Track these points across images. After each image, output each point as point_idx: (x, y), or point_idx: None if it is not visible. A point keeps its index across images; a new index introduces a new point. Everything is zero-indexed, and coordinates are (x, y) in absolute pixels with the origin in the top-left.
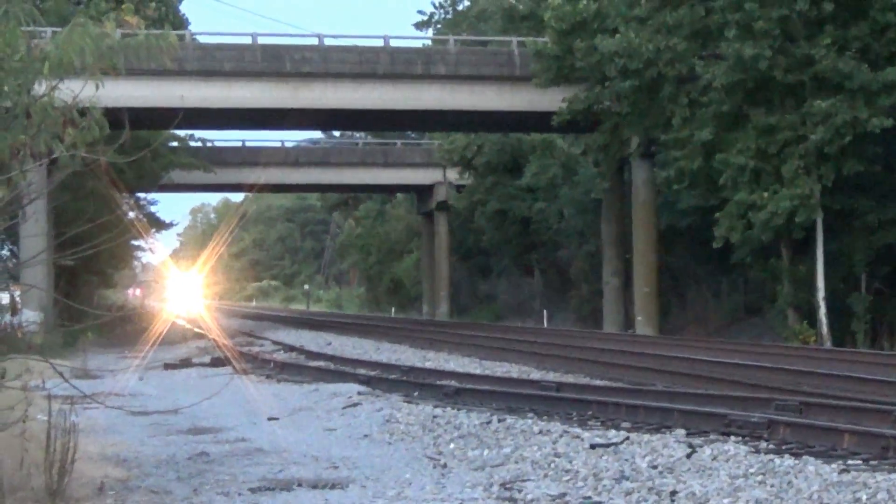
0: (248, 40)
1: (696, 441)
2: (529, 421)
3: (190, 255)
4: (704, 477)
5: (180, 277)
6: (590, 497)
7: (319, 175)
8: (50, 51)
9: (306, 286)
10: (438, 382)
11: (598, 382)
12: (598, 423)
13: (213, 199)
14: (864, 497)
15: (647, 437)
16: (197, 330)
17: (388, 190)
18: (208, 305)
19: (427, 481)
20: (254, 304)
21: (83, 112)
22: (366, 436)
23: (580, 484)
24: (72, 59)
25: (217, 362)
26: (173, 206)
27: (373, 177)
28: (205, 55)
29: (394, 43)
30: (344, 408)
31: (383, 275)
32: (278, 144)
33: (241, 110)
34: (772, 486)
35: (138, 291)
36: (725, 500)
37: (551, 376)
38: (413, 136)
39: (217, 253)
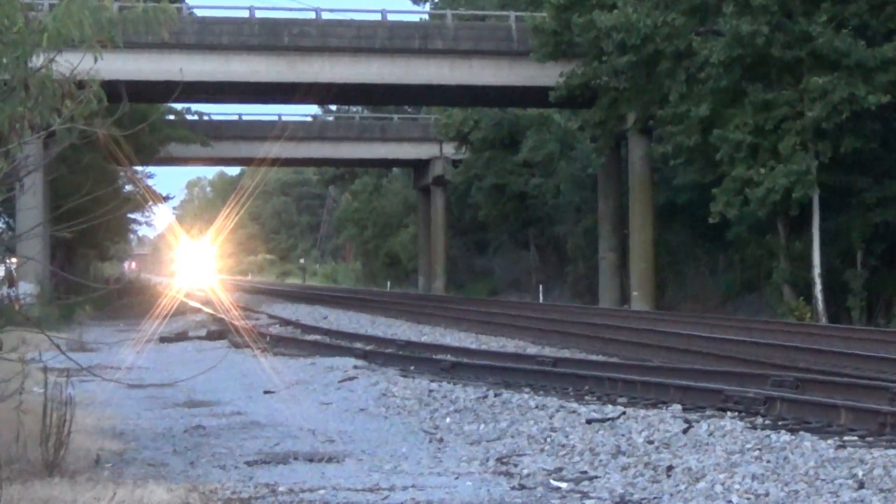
0: (245, 14)
1: (693, 416)
2: (526, 396)
3: (187, 229)
4: (701, 452)
5: (188, 250)
6: (586, 472)
7: (316, 149)
8: (48, 23)
9: (302, 260)
10: (435, 357)
11: (594, 358)
12: (595, 399)
13: (209, 172)
14: (861, 473)
15: (643, 412)
16: (194, 304)
17: (385, 164)
18: (220, 280)
19: (423, 455)
20: (249, 278)
21: (81, 85)
22: (362, 410)
23: (576, 458)
24: (70, 31)
25: (213, 336)
26: (169, 180)
27: (370, 151)
28: (203, 28)
29: (391, 17)
30: (340, 382)
31: (379, 249)
32: (275, 118)
33: (238, 84)
34: (768, 461)
35: (133, 265)
36: (721, 476)
37: (547, 351)
38: (410, 110)
39: (228, 225)
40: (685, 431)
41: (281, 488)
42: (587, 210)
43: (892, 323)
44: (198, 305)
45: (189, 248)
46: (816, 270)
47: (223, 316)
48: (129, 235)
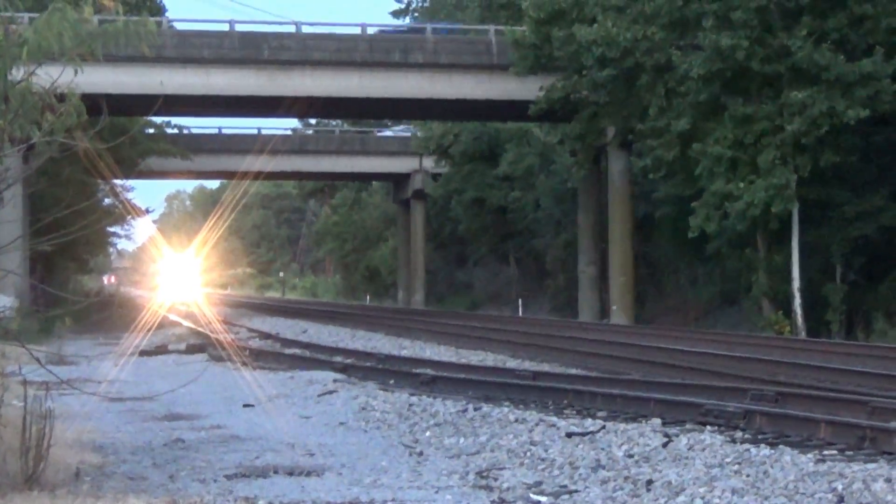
0: (225, 27)
1: (673, 430)
2: (505, 409)
3: (167, 242)
4: (680, 466)
5: (169, 264)
6: (566, 486)
7: (296, 163)
8: (28, 36)
9: (281, 274)
10: (414, 370)
11: (573, 371)
12: (575, 412)
13: (189, 186)
14: (840, 487)
15: (623, 426)
16: (174, 318)
17: (365, 178)
18: (201, 293)
19: (403, 469)
20: (229, 291)
21: (61, 98)
22: (342, 423)
23: (556, 472)
24: (50, 44)
25: (193, 349)
26: (149, 193)
27: (349, 165)
28: (183, 42)
29: (371, 31)
30: (320, 395)
31: (359, 263)
32: (255, 132)
33: (218, 97)
34: (748, 475)
35: (113, 278)
36: (701, 490)
37: (527, 365)
38: (390, 124)
39: (209, 239)
40: (665, 445)
41: (261, 502)
42: (567, 223)
43: (872, 337)
44: (177, 319)
45: (169, 262)
46: (796, 284)
47: (203, 329)
48: (108, 248)
